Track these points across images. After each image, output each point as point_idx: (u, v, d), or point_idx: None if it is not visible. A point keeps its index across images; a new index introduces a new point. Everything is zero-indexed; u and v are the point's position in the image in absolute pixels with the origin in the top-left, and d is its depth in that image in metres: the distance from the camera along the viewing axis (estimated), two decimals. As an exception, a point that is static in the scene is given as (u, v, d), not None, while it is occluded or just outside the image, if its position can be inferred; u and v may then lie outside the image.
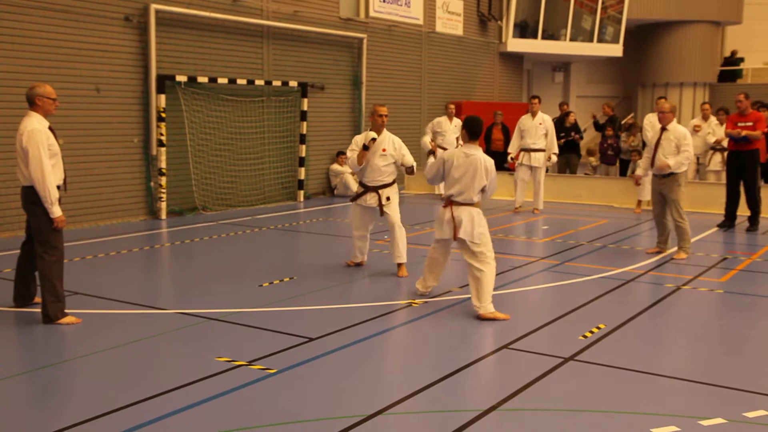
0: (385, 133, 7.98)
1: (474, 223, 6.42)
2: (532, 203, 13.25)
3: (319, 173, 15.31)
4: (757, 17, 26.28)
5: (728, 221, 11.28)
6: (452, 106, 14.78)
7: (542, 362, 5.26)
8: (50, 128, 6.09)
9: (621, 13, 22.99)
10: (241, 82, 12.99)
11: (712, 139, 13.85)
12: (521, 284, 7.70)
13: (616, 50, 23.22)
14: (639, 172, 9.55)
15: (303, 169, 14.57)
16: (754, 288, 7.63)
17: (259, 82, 13.43)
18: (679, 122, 9.16)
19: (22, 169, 6.01)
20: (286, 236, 10.79)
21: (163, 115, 11.83)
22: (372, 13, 16.27)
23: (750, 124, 10.83)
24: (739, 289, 7.51)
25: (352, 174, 14.29)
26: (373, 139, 7.82)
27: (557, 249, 9.61)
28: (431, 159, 13.91)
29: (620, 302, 7.05)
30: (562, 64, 25.28)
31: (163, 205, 11.95)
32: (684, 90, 25.26)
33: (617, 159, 15.30)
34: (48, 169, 5.93)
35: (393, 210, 7.94)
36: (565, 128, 15.09)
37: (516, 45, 21.01)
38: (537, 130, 12.96)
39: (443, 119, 14.62)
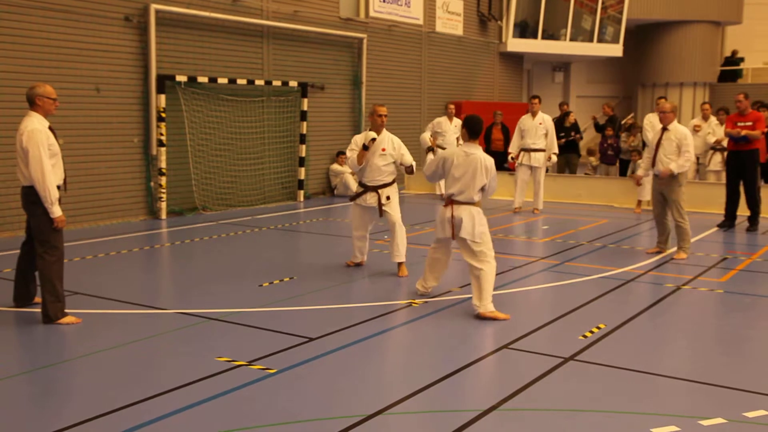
0: (385, 132, 7.98)
1: (474, 222, 6.42)
2: (532, 203, 13.25)
3: (319, 173, 15.31)
4: (757, 17, 26.28)
5: (728, 221, 11.28)
6: (452, 106, 14.78)
7: (542, 362, 5.26)
8: (50, 128, 6.09)
9: (621, 13, 22.99)
10: (241, 82, 12.99)
11: (712, 139, 13.85)
12: (521, 284, 7.70)
13: (616, 50, 23.22)
14: (640, 172, 9.54)
15: (303, 169, 14.57)
16: (754, 288, 7.63)
17: (259, 82, 13.43)
18: (679, 122, 9.16)
19: (22, 169, 6.01)
20: (286, 236, 10.79)
21: (163, 115, 11.83)
22: (372, 13, 16.28)
23: (749, 123, 10.83)
24: (739, 289, 7.51)
25: (352, 174, 14.28)
26: (373, 139, 7.82)
27: (557, 249, 9.61)
28: (430, 156, 13.91)
29: (620, 302, 7.05)
30: (562, 64, 25.29)
31: (163, 205, 11.96)
32: (684, 90, 25.27)
33: (617, 159, 15.30)
34: (48, 169, 5.93)
35: (393, 209, 7.94)
36: (565, 128, 15.09)
37: (516, 45, 21.02)
38: (537, 130, 12.97)
39: (443, 119, 14.62)
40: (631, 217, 12.53)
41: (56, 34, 10.56)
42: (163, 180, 11.90)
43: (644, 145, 13.43)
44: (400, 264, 7.96)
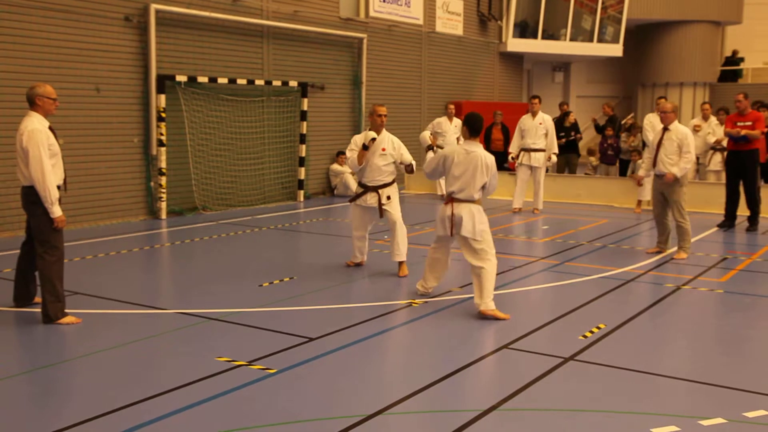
0: (384, 132, 7.98)
1: (475, 220, 6.42)
2: (532, 203, 13.25)
3: (319, 173, 15.31)
4: (757, 17, 26.29)
5: (728, 221, 11.28)
6: (452, 107, 14.78)
7: (542, 362, 5.26)
8: (50, 128, 6.09)
9: (621, 13, 22.99)
10: (241, 82, 12.99)
11: (712, 139, 13.85)
12: (521, 284, 7.70)
13: (616, 50, 23.22)
14: (641, 173, 9.53)
15: (303, 169, 14.57)
16: (754, 288, 7.63)
17: (259, 82, 13.43)
18: (678, 122, 9.15)
19: (23, 169, 6.01)
20: (286, 236, 10.79)
21: (163, 115, 11.83)
22: (372, 13, 16.28)
23: (749, 123, 10.83)
24: (739, 289, 7.51)
25: (352, 174, 14.29)
26: (373, 139, 7.82)
27: (557, 249, 9.61)
28: (430, 154, 13.91)
29: (620, 302, 7.05)
30: (562, 64, 25.28)
31: (163, 205, 11.96)
32: (684, 90, 25.27)
33: (617, 159, 15.30)
34: (48, 169, 5.93)
35: (394, 208, 7.94)
36: (565, 128, 15.09)
37: (516, 45, 21.02)
38: (537, 130, 12.97)
39: (443, 120, 14.63)
40: (631, 217, 12.54)
41: (56, 34, 10.56)
42: (163, 180, 11.90)
43: (644, 145, 13.43)
44: (400, 263, 7.96)
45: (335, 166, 15.32)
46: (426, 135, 15.00)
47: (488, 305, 6.33)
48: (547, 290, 7.50)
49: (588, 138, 21.92)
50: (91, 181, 11.08)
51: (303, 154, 14.51)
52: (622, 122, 16.89)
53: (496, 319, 6.29)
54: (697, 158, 14.10)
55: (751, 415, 4.38)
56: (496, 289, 6.69)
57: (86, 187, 10.97)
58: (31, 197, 6.03)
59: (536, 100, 13.16)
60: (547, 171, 13.83)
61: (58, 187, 6.11)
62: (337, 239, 10.19)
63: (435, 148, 13.93)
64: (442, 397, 4.67)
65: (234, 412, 4.35)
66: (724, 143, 12.74)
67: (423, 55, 18.04)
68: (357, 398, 4.60)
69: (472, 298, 6.67)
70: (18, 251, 6.50)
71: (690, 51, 24.94)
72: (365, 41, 15.81)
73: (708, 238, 10.50)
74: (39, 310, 6.20)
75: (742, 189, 11.18)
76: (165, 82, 11.81)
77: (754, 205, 11.13)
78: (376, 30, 16.37)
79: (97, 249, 9.29)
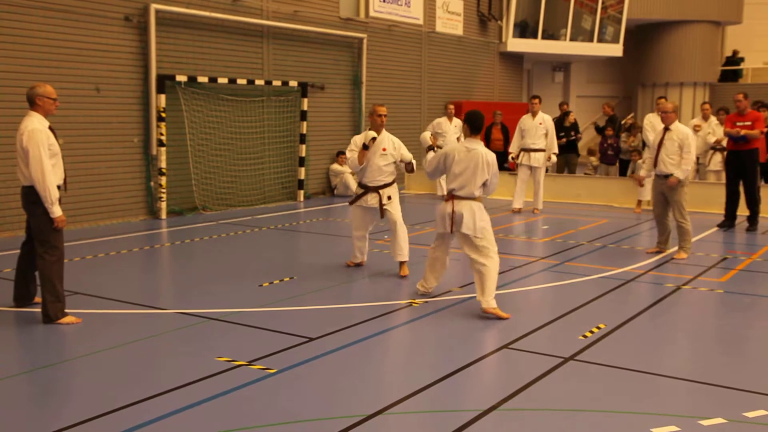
0: (384, 132, 7.99)
1: (476, 218, 6.42)
2: (532, 203, 13.25)
3: (319, 173, 15.31)
4: (757, 17, 26.29)
5: (728, 221, 11.28)
6: (452, 107, 14.79)
7: (542, 362, 5.26)
8: (50, 128, 6.09)
9: (621, 13, 22.99)
10: (241, 82, 12.99)
11: (712, 139, 13.84)
12: (521, 284, 7.70)
13: (616, 50, 23.22)
14: (642, 173, 9.52)
15: (303, 169, 14.57)
16: (754, 288, 7.62)
17: (259, 82, 13.43)
18: (679, 122, 9.15)
19: (23, 169, 6.01)
20: (286, 236, 10.79)
21: (163, 115, 11.83)
22: (372, 13, 16.28)
23: (749, 123, 10.83)
24: (739, 289, 7.51)
25: (352, 174, 14.29)
26: (373, 139, 7.82)
27: (557, 249, 9.61)
28: (430, 154, 13.90)
29: (620, 302, 7.05)
30: (562, 64, 25.28)
31: (163, 204, 11.96)
32: (684, 90, 25.26)
33: (617, 159, 15.30)
34: (48, 169, 5.93)
35: (395, 208, 7.94)
36: (564, 128, 15.09)
37: (516, 45, 21.01)
38: (537, 130, 12.97)
39: (443, 120, 14.63)
40: (631, 217, 12.53)
41: (56, 34, 10.56)
42: (163, 180, 11.90)
43: (644, 145, 13.43)
44: (402, 263, 7.95)
45: (335, 166, 15.32)
46: (426, 136, 14.94)
47: (490, 303, 6.33)
48: (547, 290, 7.50)
49: (588, 138, 21.93)
50: (91, 181, 11.08)
51: (303, 154, 14.51)
52: (622, 122, 16.90)
53: (498, 317, 6.29)
54: (697, 158, 14.10)
55: (751, 415, 4.38)
56: (496, 289, 6.68)
57: (86, 187, 10.97)
58: (31, 197, 6.03)
59: (536, 100, 13.16)
60: (547, 171, 13.83)
61: (58, 187, 6.11)
62: (337, 239, 10.18)
63: (435, 148, 13.97)
64: (442, 397, 4.67)
65: (234, 412, 4.35)
66: (724, 143, 12.74)
67: (423, 55, 18.04)
68: (357, 398, 4.60)
69: (473, 298, 6.68)
70: (18, 251, 6.51)
71: (690, 51, 24.94)
72: (365, 41, 15.81)
73: (708, 238, 10.50)
74: (39, 310, 6.20)
75: (742, 189, 11.18)
76: (165, 82, 11.81)
77: (754, 204, 11.14)
78: (376, 30, 16.37)
79: (97, 249, 9.29)
